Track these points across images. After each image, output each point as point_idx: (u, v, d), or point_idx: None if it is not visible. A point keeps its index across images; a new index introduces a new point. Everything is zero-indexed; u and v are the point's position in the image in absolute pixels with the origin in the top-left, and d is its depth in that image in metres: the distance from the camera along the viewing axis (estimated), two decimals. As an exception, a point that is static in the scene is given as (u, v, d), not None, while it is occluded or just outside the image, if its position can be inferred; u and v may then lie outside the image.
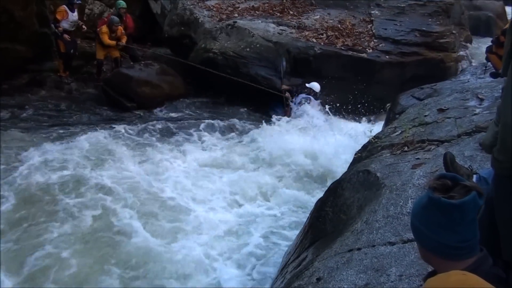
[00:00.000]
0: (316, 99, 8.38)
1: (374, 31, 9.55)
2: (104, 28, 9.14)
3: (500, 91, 4.15)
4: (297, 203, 5.47)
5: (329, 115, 8.27)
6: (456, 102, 4.70)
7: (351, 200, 3.35)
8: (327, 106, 8.39)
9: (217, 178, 6.04)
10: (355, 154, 4.64)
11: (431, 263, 1.40)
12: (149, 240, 4.56)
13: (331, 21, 9.88)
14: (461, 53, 10.76)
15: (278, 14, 10.24)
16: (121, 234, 4.66)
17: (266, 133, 7.44)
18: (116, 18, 9.28)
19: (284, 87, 8.56)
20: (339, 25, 9.67)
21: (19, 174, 5.70)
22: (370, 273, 2.37)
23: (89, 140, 6.74)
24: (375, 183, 3.32)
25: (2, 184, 5.40)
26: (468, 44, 12.38)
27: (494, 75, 6.19)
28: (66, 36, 8.94)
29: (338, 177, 4.11)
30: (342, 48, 8.97)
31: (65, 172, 5.81)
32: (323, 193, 3.93)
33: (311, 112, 8.09)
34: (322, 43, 9.03)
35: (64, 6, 9.01)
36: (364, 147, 4.62)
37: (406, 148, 3.89)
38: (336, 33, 9.36)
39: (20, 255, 4.27)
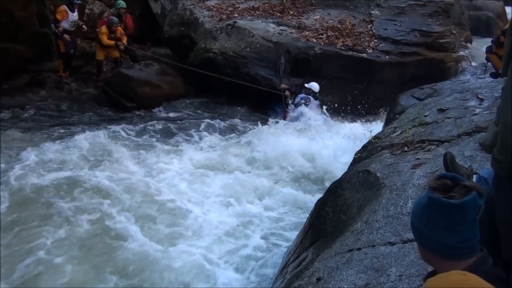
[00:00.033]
0: (315, 99, 8.38)
1: (374, 31, 9.55)
2: (104, 29, 9.14)
3: (500, 91, 4.15)
4: (296, 204, 5.43)
5: (328, 116, 8.28)
6: (456, 102, 4.70)
7: (351, 200, 3.35)
8: (324, 107, 8.41)
9: (216, 180, 5.95)
10: (355, 154, 4.64)
11: (431, 263, 1.41)
12: (147, 246, 4.41)
13: (331, 21, 9.88)
14: (461, 53, 10.76)
15: (278, 14, 10.24)
16: (117, 239, 4.50)
17: (265, 134, 7.42)
18: (115, 19, 9.27)
19: (283, 86, 8.57)
20: (339, 25, 9.67)
21: (13, 174, 5.53)
22: (370, 273, 2.37)
23: (88, 140, 6.70)
24: (375, 183, 3.32)
25: None
26: (468, 44, 12.39)
27: (494, 75, 6.19)
28: (66, 36, 8.94)
29: (336, 178, 4.11)
30: (342, 48, 8.97)
31: (62, 173, 5.69)
32: (323, 193, 3.93)
33: (309, 114, 8.09)
34: (322, 43, 9.03)
35: (64, 6, 9.01)
36: (364, 147, 4.61)
37: (406, 148, 3.89)
38: (336, 33, 9.36)
39: (10, 261, 4.06)
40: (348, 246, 2.72)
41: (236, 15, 10.18)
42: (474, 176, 2.57)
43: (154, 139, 7.26)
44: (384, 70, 8.95)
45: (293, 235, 4.45)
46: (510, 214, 1.62)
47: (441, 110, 4.53)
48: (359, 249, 2.63)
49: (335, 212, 3.39)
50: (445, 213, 1.30)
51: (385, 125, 6.10)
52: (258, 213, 5.19)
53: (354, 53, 8.91)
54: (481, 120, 3.91)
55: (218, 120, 8.31)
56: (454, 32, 10.13)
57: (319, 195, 4.26)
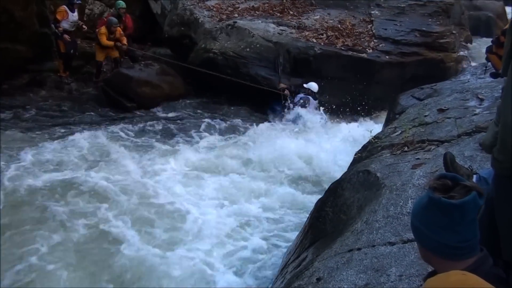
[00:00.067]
0: (314, 99, 8.39)
1: (374, 31, 9.55)
2: (103, 29, 9.14)
3: (500, 91, 4.15)
4: (295, 205, 5.41)
5: (326, 117, 8.27)
6: (456, 102, 4.70)
7: (351, 200, 3.36)
8: (322, 108, 8.40)
9: (214, 182, 5.87)
10: (355, 154, 4.64)
11: (431, 263, 1.41)
12: (145, 251, 4.26)
13: (331, 21, 9.88)
14: (461, 53, 10.77)
15: (278, 14, 10.24)
16: (114, 245, 4.34)
17: (264, 135, 7.41)
18: (114, 19, 9.27)
19: (282, 85, 8.57)
20: (339, 25, 9.67)
21: (8, 175, 5.36)
22: (370, 273, 2.37)
23: (87, 140, 6.66)
24: (375, 183, 3.32)
25: None
26: (468, 45, 12.40)
27: (494, 75, 6.20)
28: (66, 36, 8.94)
29: (335, 179, 4.10)
30: (342, 48, 8.97)
31: (58, 174, 5.57)
32: (322, 193, 3.93)
33: (308, 114, 8.09)
34: (322, 43, 9.03)
35: (64, 6, 9.01)
36: (364, 147, 4.61)
37: (406, 148, 3.89)
38: (336, 33, 9.36)
39: (0, 267, 3.84)
40: (348, 246, 2.72)
41: (236, 15, 10.18)
42: (474, 176, 2.57)
43: (154, 140, 7.24)
44: (384, 70, 8.95)
45: (293, 235, 4.45)
46: (510, 214, 1.62)
47: (441, 110, 4.53)
48: (359, 249, 2.63)
49: (335, 212, 3.39)
50: (445, 213, 1.30)
51: (385, 125, 6.10)
52: (257, 214, 5.15)
53: (354, 53, 8.91)
54: (481, 120, 3.91)
55: (218, 120, 8.31)
56: (454, 32, 10.13)
57: (318, 196, 4.25)
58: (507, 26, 2.18)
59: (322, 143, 7.11)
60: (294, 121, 8.08)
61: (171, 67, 9.57)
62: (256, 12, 10.34)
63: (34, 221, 4.59)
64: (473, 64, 10.02)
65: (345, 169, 4.39)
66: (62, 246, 4.27)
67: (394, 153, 3.88)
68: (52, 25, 9.06)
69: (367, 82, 8.76)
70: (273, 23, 9.67)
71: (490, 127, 1.94)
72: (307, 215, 4.07)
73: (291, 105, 8.33)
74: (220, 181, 5.92)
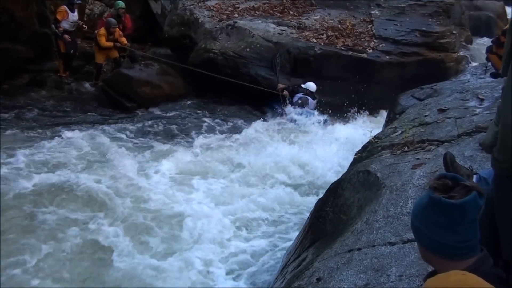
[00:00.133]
0: (313, 98, 8.39)
1: (374, 31, 9.55)
2: (102, 31, 9.14)
3: (500, 91, 4.15)
4: (294, 206, 5.38)
5: (326, 117, 8.27)
6: (456, 102, 4.69)
7: (351, 200, 3.35)
8: (321, 108, 8.38)
9: (213, 184, 5.75)
10: (355, 154, 4.64)
11: (431, 263, 1.40)
12: (140, 262, 4.04)
13: (331, 21, 9.88)
14: (462, 53, 10.77)
15: (278, 14, 10.25)
16: (107, 256, 4.10)
17: (263, 136, 7.40)
18: (113, 20, 9.27)
19: (280, 86, 8.58)
20: (339, 25, 9.67)
21: None
22: (370, 273, 2.37)
23: (85, 141, 6.60)
24: (375, 183, 3.32)
25: None
26: (468, 45, 12.40)
27: (494, 75, 6.20)
28: (66, 36, 8.94)
29: (334, 179, 4.09)
30: (342, 48, 8.98)
31: (51, 177, 5.34)
32: (323, 193, 3.92)
33: (306, 116, 8.08)
34: (322, 43, 9.03)
35: (64, 6, 9.02)
36: (364, 147, 4.61)
37: (406, 148, 3.89)
38: (336, 33, 9.37)
39: None
40: (348, 246, 2.72)
41: (236, 15, 10.18)
42: (474, 176, 2.57)
43: (153, 140, 7.21)
44: (384, 70, 8.95)
45: (293, 235, 4.44)
46: (510, 214, 1.62)
47: (441, 110, 4.53)
48: (359, 249, 2.63)
49: (335, 212, 3.38)
50: (445, 213, 1.30)
51: (385, 125, 6.10)
52: (257, 215, 5.11)
53: (354, 53, 8.91)
54: (481, 120, 3.91)
55: (218, 121, 8.30)
56: (454, 32, 10.14)
57: (318, 196, 4.25)
58: (507, 26, 2.18)
59: (321, 143, 7.10)
60: (293, 121, 8.09)
61: (171, 67, 9.57)
62: (256, 12, 10.34)
63: (21, 229, 4.30)
64: (473, 64, 10.01)
65: (345, 169, 4.39)
66: (51, 257, 3.99)
67: (394, 153, 3.88)
68: (53, 25, 9.06)
69: (367, 82, 8.76)
70: (273, 23, 9.67)
71: (490, 127, 1.94)
72: (307, 215, 4.07)
73: (290, 105, 8.33)
74: (219, 183, 5.83)
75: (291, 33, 9.35)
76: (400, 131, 4.37)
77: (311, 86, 8.38)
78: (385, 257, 2.45)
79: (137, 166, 6.02)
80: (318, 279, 2.54)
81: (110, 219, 4.67)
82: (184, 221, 4.75)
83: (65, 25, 8.98)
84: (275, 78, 8.77)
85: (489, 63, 6.79)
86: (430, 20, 9.79)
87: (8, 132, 6.90)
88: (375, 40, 9.29)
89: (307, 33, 9.35)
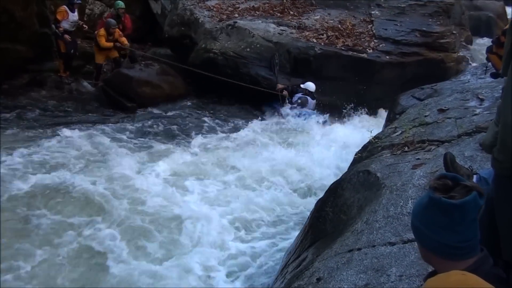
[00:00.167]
0: (312, 98, 8.39)
1: (374, 31, 9.55)
2: (102, 31, 9.15)
3: (500, 91, 4.15)
4: (294, 206, 5.36)
5: (326, 117, 8.27)
6: (457, 103, 4.69)
7: (351, 200, 3.35)
8: (321, 108, 8.38)
9: (212, 185, 5.71)
10: (355, 154, 4.64)
11: (431, 263, 1.40)
12: (137, 267, 3.93)
13: (332, 21, 9.88)
14: (462, 53, 10.77)
15: (279, 14, 10.25)
16: (104, 261, 3.99)
17: (263, 136, 7.39)
18: (112, 21, 9.27)
19: (280, 86, 8.57)
20: (339, 25, 9.67)
21: None
22: (370, 273, 2.37)
23: (84, 141, 6.56)
24: (375, 183, 3.32)
25: None
26: (468, 45, 12.40)
27: (494, 75, 6.20)
28: (67, 36, 8.95)
29: (334, 180, 4.09)
30: (343, 48, 8.97)
31: (47, 177, 5.22)
32: (322, 193, 3.92)
33: (305, 116, 8.07)
34: (322, 43, 9.03)
35: (65, 6, 9.02)
36: (364, 147, 4.61)
37: (406, 148, 3.89)
38: (337, 33, 9.36)
39: None
40: (348, 246, 2.72)
41: (236, 15, 10.18)
42: (474, 176, 2.57)
43: (153, 141, 7.18)
44: (384, 70, 8.95)
45: (293, 235, 4.44)
46: (510, 214, 1.62)
47: (441, 110, 4.53)
48: (359, 249, 2.63)
49: (335, 212, 3.38)
50: (445, 213, 1.30)
51: (385, 125, 6.10)
52: (257, 215, 5.08)
53: (354, 53, 8.91)
54: (482, 120, 3.91)
55: (218, 121, 8.29)
56: (454, 32, 10.14)
57: (317, 196, 4.24)
58: (507, 26, 2.18)
59: (321, 143, 7.09)
60: (293, 121, 8.08)
61: (171, 67, 9.57)
62: (257, 12, 10.34)
63: (14, 233, 4.15)
64: (473, 64, 10.00)
65: (345, 169, 4.39)
66: (46, 263, 3.86)
67: (395, 153, 3.88)
68: (53, 25, 9.06)
69: (367, 82, 8.76)
70: (274, 23, 9.67)
71: (490, 127, 1.94)
72: (307, 215, 4.07)
73: (290, 105, 8.33)
74: (218, 185, 5.78)
75: (291, 33, 9.34)
76: (400, 131, 4.37)
77: (310, 86, 8.38)
78: (385, 257, 2.45)
79: (136, 167, 5.94)
80: (318, 279, 2.54)
81: (107, 223, 4.55)
82: (183, 224, 4.65)
83: (65, 25, 8.98)
84: (275, 78, 8.77)
85: (489, 63, 6.79)
86: (430, 20, 9.79)
87: (7, 132, 6.89)
88: (375, 40, 9.29)
89: (307, 33, 9.35)
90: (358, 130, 7.54)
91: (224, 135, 7.61)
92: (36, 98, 8.61)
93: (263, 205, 5.29)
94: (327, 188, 3.89)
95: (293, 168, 6.25)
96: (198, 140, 7.25)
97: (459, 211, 1.29)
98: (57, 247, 4.10)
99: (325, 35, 9.29)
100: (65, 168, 5.65)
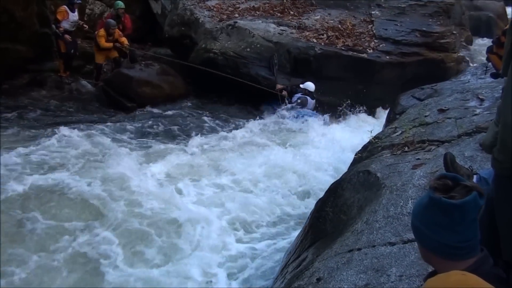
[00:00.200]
0: (312, 98, 8.39)
1: (374, 31, 9.55)
2: (102, 32, 9.15)
3: (500, 91, 4.15)
4: (294, 206, 5.33)
5: (326, 117, 8.27)
6: (457, 103, 4.69)
7: (351, 200, 3.35)
8: (320, 108, 8.37)
9: (209, 185, 5.62)
10: (356, 155, 4.64)
11: (431, 263, 1.40)
12: (135, 273, 3.82)
13: (332, 21, 9.88)
14: (462, 53, 10.77)
15: (279, 14, 10.25)
16: (102, 267, 3.87)
17: (263, 136, 7.37)
18: (112, 22, 9.27)
19: (279, 86, 8.57)
20: (339, 26, 9.67)
21: None
22: (370, 273, 2.37)
23: (83, 141, 6.47)
24: (376, 183, 3.32)
25: None
26: (468, 45, 12.40)
27: (494, 76, 6.20)
28: (67, 36, 8.95)
29: (334, 180, 4.08)
30: (343, 48, 8.98)
31: (44, 178, 5.10)
32: (323, 194, 3.92)
33: (305, 116, 8.07)
34: (322, 44, 9.03)
35: (65, 6, 9.02)
36: (365, 147, 4.61)
37: (406, 149, 3.89)
38: (337, 34, 9.37)
39: None
40: (348, 246, 2.72)
41: (237, 15, 10.19)
42: (474, 176, 2.57)
43: (153, 141, 7.16)
44: (384, 70, 8.95)
45: (293, 235, 4.43)
46: (510, 214, 1.62)
47: (441, 111, 4.53)
48: (359, 249, 2.63)
49: (335, 212, 3.38)
50: (445, 213, 1.30)
51: (386, 125, 6.10)
52: (257, 215, 5.03)
53: (355, 53, 8.91)
54: (482, 121, 3.91)
55: (218, 121, 8.29)
56: (454, 32, 10.14)
57: (317, 196, 4.23)
58: (507, 26, 2.18)
59: (320, 143, 7.09)
60: (292, 121, 8.08)
61: (171, 67, 9.58)
62: (257, 12, 10.34)
63: (8, 237, 4.02)
64: (473, 64, 10.00)
65: (344, 170, 4.39)
66: (40, 269, 3.74)
67: (395, 153, 3.88)
68: (53, 25, 9.06)
69: (368, 82, 8.77)
70: (274, 23, 9.67)
71: (490, 127, 1.94)
72: (307, 216, 4.06)
73: (289, 106, 8.33)
74: (217, 186, 5.70)
75: (291, 33, 9.35)
76: (400, 131, 4.37)
77: (310, 86, 8.38)
78: (385, 257, 2.45)
79: (135, 168, 5.79)
80: (318, 279, 2.54)
81: (103, 226, 4.41)
82: (182, 227, 4.53)
83: (65, 25, 8.99)
84: (274, 78, 8.78)
85: (490, 64, 6.78)
86: (430, 20, 9.79)
87: (7, 132, 6.88)
88: (375, 40, 9.29)
89: (307, 33, 9.35)
90: (358, 130, 7.53)
91: (224, 135, 7.55)
92: (36, 98, 8.61)
93: (262, 206, 5.24)
94: (326, 188, 3.89)
95: (292, 168, 6.21)
96: (197, 140, 7.18)
97: (459, 211, 1.29)
98: (52, 252, 4.00)
99: (325, 35, 9.29)
100: (63, 169, 5.53)
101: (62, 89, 9.15)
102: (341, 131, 7.67)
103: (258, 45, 8.98)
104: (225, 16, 10.11)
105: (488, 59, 6.83)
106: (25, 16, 8.37)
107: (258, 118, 8.40)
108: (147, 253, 4.14)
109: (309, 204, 5.00)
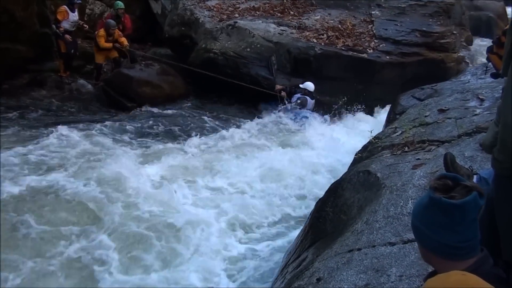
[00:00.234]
0: (311, 98, 8.38)
1: (374, 31, 9.55)
2: (101, 32, 9.15)
3: (501, 91, 4.15)
4: (294, 206, 5.33)
5: (327, 117, 8.27)
6: (457, 103, 4.70)
7: (352, 200, 3.35)
8: (320, 108, 8.36)
9: (208, 186, 5.58)
10: (356, 155, 4.64)
11: (431, 263, 1.40)
12: (133, 279, 3.73)
13: (332, 21, 9.88)
14: (462, 53, 10.76)
15: (279, 14, 10.25)
16: (98, 273, 3.77)
17: (262, 136, 7.37)
18: (112, 22, 9.28)
19: (278, 87, 8.57)
20: (339, 26, 9.67)
21: None
22: (370, 273, 2.37)
23: (83, 141, 6.48)
24: (376, 183, 3.32)
25: None
26: (468, 45, 12.39)
27: (494, 76, 6.19)
28: (67, 36, 8.95)
29: (335, 179, 4.08)
30: (343, 48, 8.98)
31: (40, 179, 5.02)
32: (322, 194, 3.92)
33: (304, 116, 8.07)
34: (322, 44, 9.03)
35: (65, 6, 9.02)
36: (365, 147, 4.61)
37: (406, 149, 3.89)
38: (337, 34, 9.36)
39: None
40: (348, 247, 2.72)
41: (237, 15, 10.19)
42: (475, 176, 2.56)
43: (153, 141, 7.15)
44: (384, 71, 8.95)
45: (293, 235, 4.43)
46: (510, 214, 1.62)
47: (441, 111, 4.54)
48: (359, 249, 2.63)
49: (335, 212, 3.38)
50: (445, 213, 1.30)
51: (386, 125, 6.10)
52: (256, 215, 5.02)
53: (355, 53, 8.91)
54: (482, 121, 3.91)
55: (217, 122, 8.29)
56: (454, 32, 10.13)
57: (317, 196, 4.22)
58: (507, 26, 2.18)
59: (320, 143, 7.08)
60: (292, 122, 8.08)
61: (171, 67, 9.58)
62: (257, 12, 10.34)
63: (2, 242, 3.93)
64: (474, 64, 10.00)
65: (345, 169, 4.39)
66: (35, 274, 3.66)
67: (395, 153, 3.88)
68: (53, 25, 9.07)
69: (368, 82, 8.77)
70: (274, 23, 9.67)
71: (490, 127, 1.94)
72: (307, 215, 4.06)
73: (289, 106, 8.33)
74: (216, 187, 5.65)
75: (292, 33, 9.35)
76: (400, 131, 4.37)
77: (310, 86, 8.38)
78: (385, 257, 2.45)
79: (133, 169, 5.66)
80: (318, 279, 2.54)
81: (100, 230, 4.31)
82: (181, 230, 4.43)
83: (65, 25, 8.99)
84: (272, 78, 8.77)
85: (490, 64, 6.78)
86: (431, 20, 9.79)
87: (6, 132, 6.87)
88: (375, 40, 9.29)
89: (307, 33, 9.35)
90: (358, 130, 7.53)
91: (223, 136, 7.49)
92: (36, 98, 8.62)
93: (261, 207, 5.21)
94: (326, 188, 3.88)
95: (292, 169, 6.19)
96: (197, 141, 7.15)
97: (459, 211, 1.29)
98: (47, 257, 3.90)
99: (325, 35, 9.29)
100: (60, 169, 5.44)
101: (62, 89, 9.15)
102: (341, 131, 7.67)
103: (258, 45, 8.98)
104: (225, 16, 10.11)
105: (488, 59, 6.83)
106: (25, 16, 8.37)
107: (258, 118, 8.39)
108: (145, 258, 4.03)
109: (309, 204, 5.00)
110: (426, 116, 4.50)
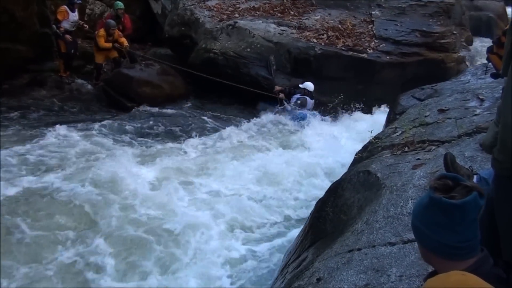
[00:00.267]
0: (311, 98, 8.38)
1: (374, 31, 9.55)
2: (101, 32, 9.15)
3: (501, 91, 4.15)
4: (294, 206, 5.31)
5: (327, 117, 8.27)
6: (457, 103, 4.69)
7: (352, 200, 3.35)
8: (322, 116, 8.36)
9: (209, 187, 5.55)
10: (356, 155, 4.64)
11: (431, 263, 1.40)
12: (131, 286, 3.65)
13: (332, 21, 9.88)
14: (462, 53, 10.76)
15: (279, 14, 10.25)
16: (95, 280, 3.67)
17: (262, 136, 7.36)
18: (112, 22, 9.28)
19: (277, 88, 8.56)
20: (339, 26, 9.67)
21: None
22: (370, 273, 2.37)
23: (83, 141, 6.47)
24: (376, 183, 3.32)
25: None
26: (468, 45, 12.39)
27: (495, 76, 6.19)
28: (67, 36, 8.95)
29: (334, 179, 4.08)
30: (343, 48, 8.98)
31: (36, 180, 4.94)
32: (323, 193, 3.92)
33: (304, 116, 8.06)
34: (322, 44, 9.03)
35: (65, 6, 9.03)
36: (365, 147, 4.61)
37: (406, 149, 3.89)
38: (337, 34, 9.37)
39: None
40: (348, 247, 2.72)
41: (237, 15, 10.19)
42: (475, 176, 2.56)
43: (153, 141, 7.15)
44: (384, 71, 8.95)
45: (293, 235, 4.42)
46: (510, 214, 1.62)
47: (441, 111, 4.53)
48: (359, 249, 2.63)
49: (335, 212, 3.38)
50: (445, 213, 1.30)
51: (386, 125, 6.10)
52: (256, 217, 4.98)
53: (355, 53, 8.91)
54: (482, 121, 3.91)
55: (217, 122, 8.29)
56: (454, 32, 10.13)
57: (318, 196, 4.21)
58: (507, 27, 2.18)
59: (320, 143, 7.08)
60: (291, 122, 8.07)
61: (171, 66, 9.57)
62: (257, 12, 10.34)
63: None
64: (474, 64, 10.00)
65: (345, 170, 4.39)
66: (29, 280, 3.58)
67: (395, 153, 3.88)
68: (53, 25, 9.07)
69: (368, 82, 8.77)
70: (274, 23, 9.67)
71: (490, 128, 1.94)
72: (307, 216, 4.06)
73: (288, 107, 8.33)
74: (216, 188, 5.60)
75: (292, 33, 9.35)
76: (400, 131, 4.37)
77: (309, 86, 8.37)
78: (385, 257, 2.45)
79: (131, 170, 5.58)
80: (318, 279, 2.54)
81: (96, 234, 4.21)
82: (180, 234, 4.35)
83: (65, 25, 8.99)
84: (271, 78, 8.77)
85: (490, 64, 6.78)
86: (431, 20, 9.79)
87: (6, 132, 6.87)
88: (375, 40, 9.29)
89: (307, 33, 9.35)
90: (357, 130, 7.53)
91: (223, 136, 7.47)
92: (36, 98, 8.63)
93: (261, 207, 5.18)
94: (326, 188, 3.88)
95: (292, 169, 6.18)
96: (197, 142, 7.13)
97: (460, 211, 1.29)
98: (42, 262, 3.82)
99: (325, 35, 9.29)
100: (58, 170, 5.37)
101: (62, 89, 9.16)
102: (341, 131, 7.67)
103: (258, 45, 8.98)
104: (225, 16, 10.11)
105: (488, 59, 6.83)
106: (25, 16, 8.37)
107: (257, 119, 8.38)
108: (143, 263, 3.94)
109: (309, 205, 5.00)
110: (426, 116, 4.50)
